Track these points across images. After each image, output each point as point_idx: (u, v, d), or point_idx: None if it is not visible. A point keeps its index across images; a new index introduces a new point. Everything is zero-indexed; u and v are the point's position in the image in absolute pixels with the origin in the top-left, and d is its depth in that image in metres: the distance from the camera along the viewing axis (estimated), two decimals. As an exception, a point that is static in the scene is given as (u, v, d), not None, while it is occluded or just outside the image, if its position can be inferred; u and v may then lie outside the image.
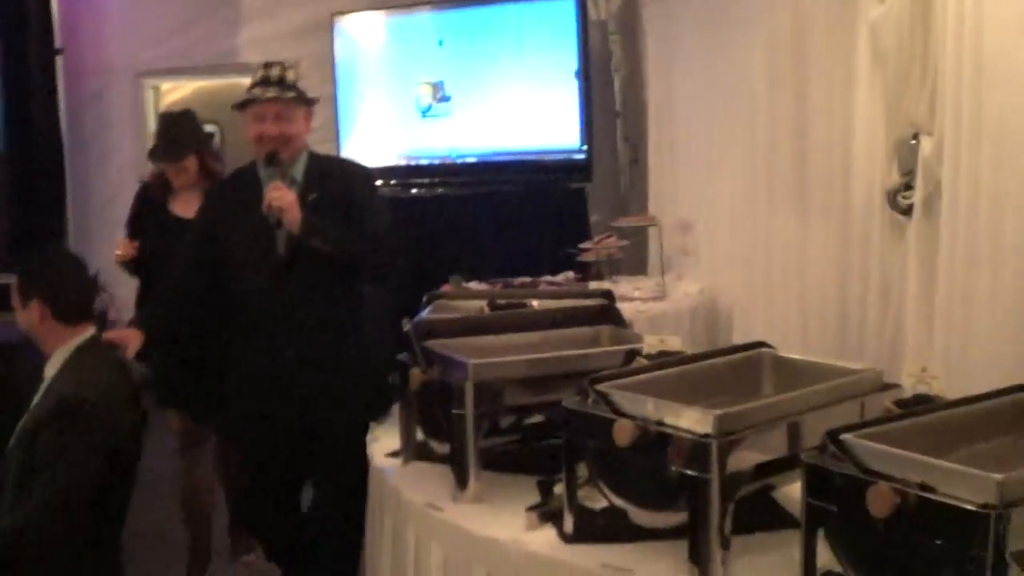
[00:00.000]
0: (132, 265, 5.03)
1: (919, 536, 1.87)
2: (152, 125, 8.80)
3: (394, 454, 3.39)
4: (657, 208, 7.47)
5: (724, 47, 6.22)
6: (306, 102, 4.29)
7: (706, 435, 2.27)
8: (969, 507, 1.81)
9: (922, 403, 2.35)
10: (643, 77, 7.92)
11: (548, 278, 6.59)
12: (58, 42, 9.12)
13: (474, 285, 6.11)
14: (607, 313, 3.46)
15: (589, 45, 8.02)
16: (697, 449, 2.27)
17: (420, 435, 3.31)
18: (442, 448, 3.14)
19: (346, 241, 4.05)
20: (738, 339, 5.65)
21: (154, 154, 5.18)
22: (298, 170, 4.20)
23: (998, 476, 1.81)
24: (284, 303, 4.11)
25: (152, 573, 5.10)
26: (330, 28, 9.02)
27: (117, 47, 9.38)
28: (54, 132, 8.99)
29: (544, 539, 2.64)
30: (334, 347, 4.17)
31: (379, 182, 8.50)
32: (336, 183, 4.20)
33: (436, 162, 8.67)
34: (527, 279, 6.33)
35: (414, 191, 8.72)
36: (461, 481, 2.95)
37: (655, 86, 7.59)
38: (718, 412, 2.29)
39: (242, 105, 4.21)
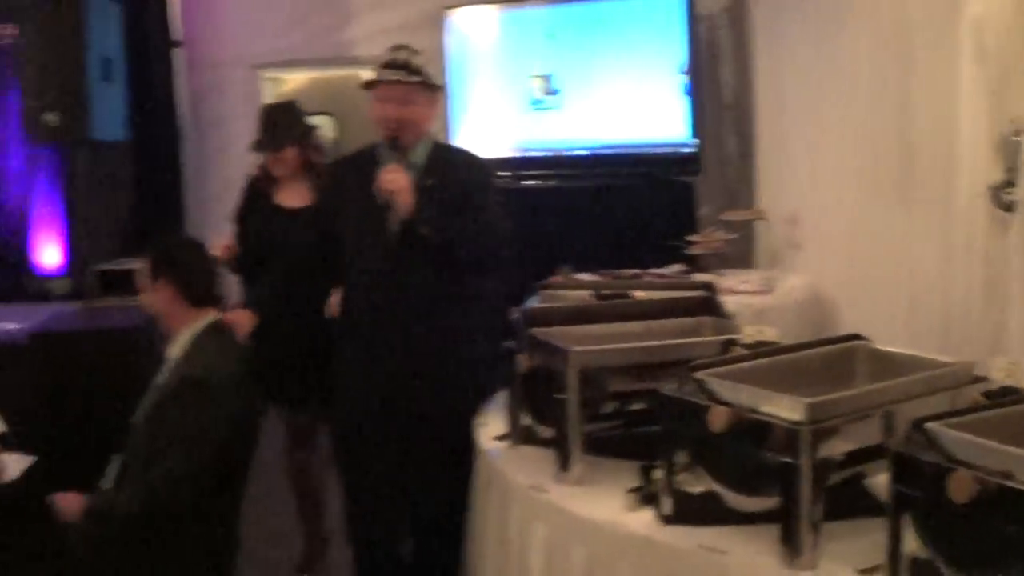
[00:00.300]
0: (232, 264, 5.03)
1: (998, 522, 1.96)
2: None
3: (501, 437, 3.53)
4: (765, 202, 7.51)
5: (831, 41, 6.25)
6: (430, 88, 4.23)
7: (797, 422, 2.37)
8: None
9: (1009, 395, 2.42)
10: (753, 71, 7.96)
11: (655, 270, 6.66)
12: (177, 35, 9.42)
13: (582, 276, 6.18)
14: (708, 304, 3.55)
15: (697, 38, 8.08)
16: (789, 436, 2.37)
17: (526, 420, 3.43)
18: (547, 432, 3.26)
19: (456, 231, 4.03)
20: (843, 333, 5.69)
21: (256, 145, 5.23)
22: (419, 155, 4.18)
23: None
24: (392, 287, 4.09)
25: (267, 557, 5.28)
26: (441, 22, 9.18)
27: (234, 40, 9.62)
28: (173, 123, 9.28)
29: (643, 520, 2.76)
30: (440, 335, 4.13)
31: (499, 173, 8.70)
32: (455, 172, 4.19)
33: (546, 154, 8.79)
34: (634, 271, 6.38)
35: (525, 183, 8.84)
36: (564, 464, 3.07)
37: (763, 80, 7.63)
38: (809, 400, 2.38)
39: (368, 85, 4.23)
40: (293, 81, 10.05)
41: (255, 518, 4.99)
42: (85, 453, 3.93)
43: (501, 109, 8.88)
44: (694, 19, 7.99)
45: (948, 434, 2.10)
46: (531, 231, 8.11)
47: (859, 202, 5.95)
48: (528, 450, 3.38)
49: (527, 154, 8.81)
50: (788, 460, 2.38)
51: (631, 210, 8.15)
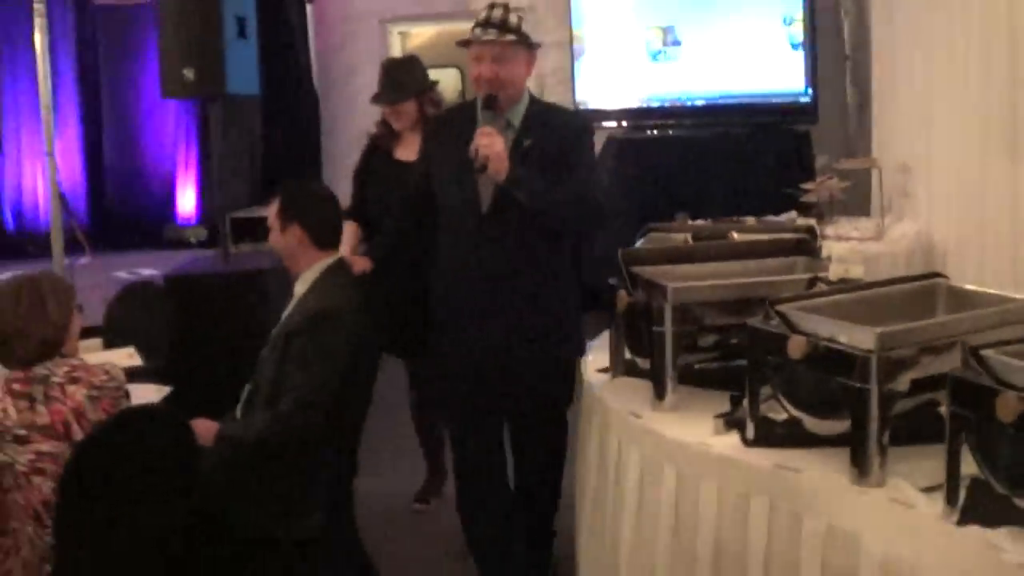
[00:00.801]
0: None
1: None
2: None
3: (603, 370, 3.76)
4: (880, 151, 7.58)
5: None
6: (527, 46, 4.06)
7: (868, 350, 2.56)
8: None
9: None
10: (870, 21, 8.03)
11: (771, 217, 6.80)
12: (309, -12, 9.79)
13: (697, 223, 6.32)
14: (802, 246, 3.73)
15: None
16: (859, 363, 2.57)
17: (626, 353, 3.66)
18: (645, 364, 3.48)
19: (550, 195, 3.93)
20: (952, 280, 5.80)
21: (376, 98, 5.33)
22: (516, 115, 4.07)
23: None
24: (484, 250, 4.02)
25: (389, 488, 5.58)
26: (565, -27, 9.36)
27: (365, -7, 9.95)
28: (306, 78, 9.64)
29: (728, 443, 2.98)
30: (532, 297, 4.06)
31: (612, 123, 8.90)
32: (552, 132, 4.05)
33: (666, 104, 8.95)
34: (749, 218, 6.50)
35: (646, 132, 9.03)
36: (659, 393, 3.30)
37: (879, 30, 7.69)
38: (880, 330, 2.57)
39: (463, 43, 4.13)
40: (419, 35, 10.33)
41: (380, 450, 5.30)
42: (217, 385, 4.23)
43: (623, 60, 9.05)
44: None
45: (999, 359, 2.27)
46: (651, 179, 8.37)
47: (969, 154, 6.03)
48: (628, 381, 3.61)
49: (647, 104, 8.98)
50: (859, 386, 2.57)
51: (748, 159, 8.32)
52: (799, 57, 8.21)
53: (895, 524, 2.51)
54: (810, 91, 8.17)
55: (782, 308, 2.84)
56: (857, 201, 7.49)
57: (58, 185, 6.22)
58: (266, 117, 9.51)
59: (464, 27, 9.81)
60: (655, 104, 9.00)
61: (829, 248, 6.07)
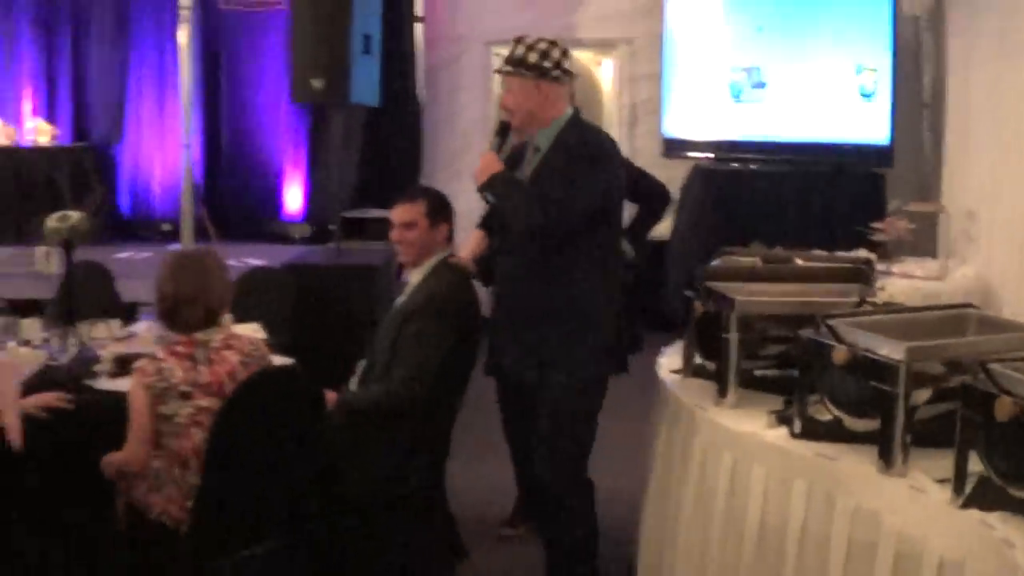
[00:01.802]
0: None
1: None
2: (497, 89, 9.90)
3: (676, 371, 4.30)
4: (949, 197, 8.05)
5: (1016, 45, 6.75)
6: (537, 77, 4.36)
7: (898, 360, 3.07)
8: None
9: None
10: (946, 71, 8.48)
11: (841, 253, 7.26)
12: (419, 11, 10.39)
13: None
14: (858, 274, 4.24)
15: (901, 38, 8.66)
16: (889, 371, 3.08)
17: (697, 357, 4.19)
18: (712, 366, 4.02)
19: (508, 197, 4.33)
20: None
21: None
22: (546, 137, 4.42)
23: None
24: (502, 263, 4.59)
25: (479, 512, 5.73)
26: (661, 10, 9.92)
27: (470, 18, 10.53)
28: (412, 91, 10.27)
29: (777, 435, 3.50)
30: (542, 307, 4.39)
31: (696, 154, 9.44)
32: (565, 153, 4.34)
33: (747, 140, 9.47)
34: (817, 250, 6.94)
35: (729, 165, 9.56)
36: (722, 391, 3.83)
37: (953, 81, 8.15)
38: (910, 344, 3.08)
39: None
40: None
41: (473, 472, 5.61)
42: (331, 361, 4.80)
43: (709, 95, 9.59)
44: (898, 20, 8.56)
45: (1001, 370, 2.78)
46: (732, 209, 8.90)
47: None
48: (696, 381, 4.14)
49: (731, 139, 9.52)
50: (888, 390, 3.09)
51: (825, 197, 8.82)
52: (875, 104, 8.68)
53: (911, 507, 3.01)
54: (888, 136, 8.64)
55: (831, 322, 3.36)
56: (927, 243, 7.94)
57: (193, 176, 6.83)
58: (376, 126, 10.13)
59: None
60: (736, 139, 9.54)
61: (893, 284, 6.57)
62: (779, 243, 7.22)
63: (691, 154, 9.74)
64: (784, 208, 8.86)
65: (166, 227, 11.13)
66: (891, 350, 3.11)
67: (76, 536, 4.09)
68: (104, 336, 4.79)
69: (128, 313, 5.59)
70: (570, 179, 4.26)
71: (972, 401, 2.84)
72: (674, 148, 9.93)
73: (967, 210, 7.52)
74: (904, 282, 6.85)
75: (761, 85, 9.26)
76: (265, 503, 3.85)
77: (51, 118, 11.61)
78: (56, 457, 3.98)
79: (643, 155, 10.20)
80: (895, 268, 7.21)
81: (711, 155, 9.62)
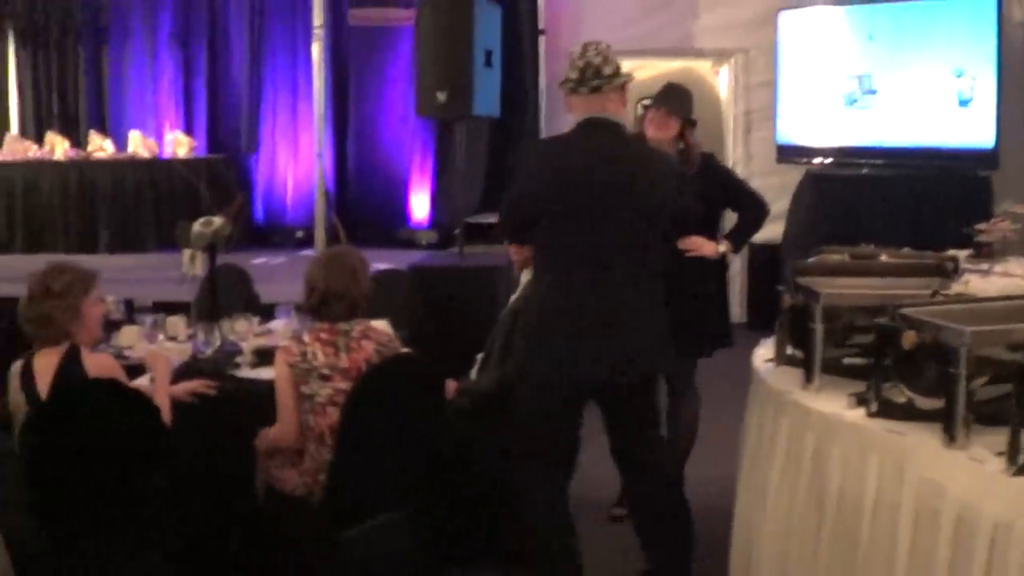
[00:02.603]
0: None
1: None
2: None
3: (769, 360, 4.63)
4: (1054, 198, 8.22)
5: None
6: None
7: (961, 343, 3.38)
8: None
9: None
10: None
11: (931, 252, 7.47)
12: (541, 24, 10.81)
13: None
14: (939, 269, 4.52)
15: (1006, 43, 8.85)
16: (952, 353, 3.39)
17: (788, 347, 4.52)
18: (801, 355, 4.34)
19: None
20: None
21: (658, 101, 5.63)
22: None
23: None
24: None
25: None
26: (775, 21, 10.21)
27: (591, 29, 10.83)
28: (534, 103, 10.70)
29: (856, 415, 3.81)
30: None
31: (809, 160, 9.72)
32: None
33: (860, 146, 9.73)
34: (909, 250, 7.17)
35: (840, 170, 9.83)
36: (808, 377, 4.15)
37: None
38: (972, 328, 3.39)
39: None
40: (643, 69, 11.21)
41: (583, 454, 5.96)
42: (453, 354, 5.23)
43: (821, 102, 9.87)
44: (1002, 24, 8.77)
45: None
46: (842, 212, 9.17)
47: None
48: (787, 369, 4.46)
49: (840, 145, 9.79)
50: (952, 371, 3.40)
51: (932, 200, 9.04)
52: (976, 109, 8.89)
53: (970, 476, 3.31)
54: (994, 139, 8.83)
55: (904, 310, 3.67)
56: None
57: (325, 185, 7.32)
58: (499, 136, 10.58)
59: (686, 64, 10.80)
60: (849, 145, 9.81)
61: (992, 283, 6.79)
62: (886, 245, 7.50)
63: (803, 159, 10.02)
64: (893, 211, 9.10)
65: (299, 234, 11.75)
66: (955, 335, 3.42)
67: (218, 509, 4.56)
68: (244, 331, 5.26)
69: (266, 312, 6.07)
70: None
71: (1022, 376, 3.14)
72: (787, 154, 10.22)
73: (1073, 212, 7.69)
74: (1003, 280, 7.04)
75: (872, 92, 9.50)
76: (390, 478, 4.28)
77: (189, 130, 12.32)
78: (202, 437, 4.46)
79: (758, 160, 10.55)
80: (997, 268, 7.39)
81: (823, 160, 9.89)
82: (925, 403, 3.65)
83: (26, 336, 4.19)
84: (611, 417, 4.72)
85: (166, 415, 4.21)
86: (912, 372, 3.65)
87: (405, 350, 4.81)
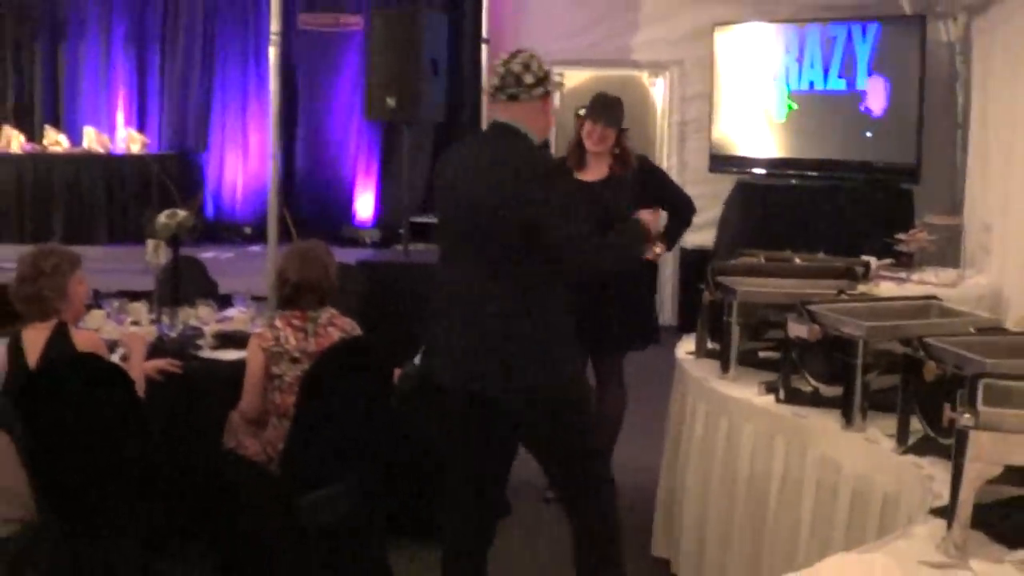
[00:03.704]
0: None
1: (942, 397, 3.35)
2: (555, 104, 10.62)
3: (691, 352, 5.03)
4: (969, 211, 8.70)
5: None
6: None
7: (858, 337, 3.79)
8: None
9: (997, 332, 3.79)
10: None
11: (866, 258, 7.91)
12: (485, 33, 11.19)
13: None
14: (847, 273, 4.94)
15: (933, 64, 9.35)
16: (850, 346, 3.80)
17: (707, 340, 4.93)
18: (717, 347, 4.75)
19: None
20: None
21: (593, 115, 5.83)
22: None
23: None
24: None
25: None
26: (711, 36, 10.65)
27: (532, 39, 11.20)
28: (474, 108, 11.08)
29: (766, 401, 4.23)
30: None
31: (739, 170, 10.18)
32: None
33: (790, 157, 10.20)
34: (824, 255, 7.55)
35: (769, 180, 10.29)
36: (724, 367, 4.57)
37: (976, 102, 8.82)
38: (868, 324, 3.80)
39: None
40: (577, 78, 11.60)
41: None
42: (397, 344, 5.56)
43: (755, 115, 10.33)
44: (924, 47, 9.26)
45: (931, 343, 3.48)
46: (770, 220, 9.62)
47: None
48: (707, 361, 4.87)
49: (770, 156, 10.27)
50: (851, 361, 3.81)
51: (856, 210, 9.51)
52: (905, 123, 9.39)
53: (864, 455, 3.72)
54: (915, 154, 9.32)
55: (810, 307, 4.08)
56: (947, 254, 8.58)
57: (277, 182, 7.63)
58: (439, 139, 10.94)
59: (617, 75, 11.19)
60: (779, 156, 10.29)
61: (908, 290, 7.23)
62: (810, 252, 7.93)
63: (735, 169, 10.48)
64: (819, 220, 9.54)
65: (247, 230, 12.04)
66: (853, 328, 3.83)
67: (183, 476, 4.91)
68: (206, 316, 5.60)
69: (222, 301, 6.39)
70: None
71: (909, 367, 3.55)
72: (720, 164, 10.67)
73: (984, 224, 8.16)
74: (920, 288, 7.49)
75: (800, 106, 9.99)
76: (341, 450, 4.64)
77: (141, 128, 12.58)
78: (170, 411, 4.82)
79: (691, 169, 10.97)
80: (914, 276, 7.84)
81: (754, 170, 10.35)
82: (827, 391, 4.07)
83: (17, 313, 4.50)
84: (527, 445, 4.36)
85: (140, 389, 4.55)
86: (816, 363, 4.07)
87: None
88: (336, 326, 4.78)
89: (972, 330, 3.81)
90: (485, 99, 11.17)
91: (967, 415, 2.76)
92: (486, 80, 4.63)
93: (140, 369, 4.68)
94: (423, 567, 5.09)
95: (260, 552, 4.68)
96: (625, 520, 4.80)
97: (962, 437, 2.75)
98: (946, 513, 2.84)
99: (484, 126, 11.06)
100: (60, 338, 4.38)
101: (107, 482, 4.21)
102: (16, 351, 4.41)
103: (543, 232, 3.98)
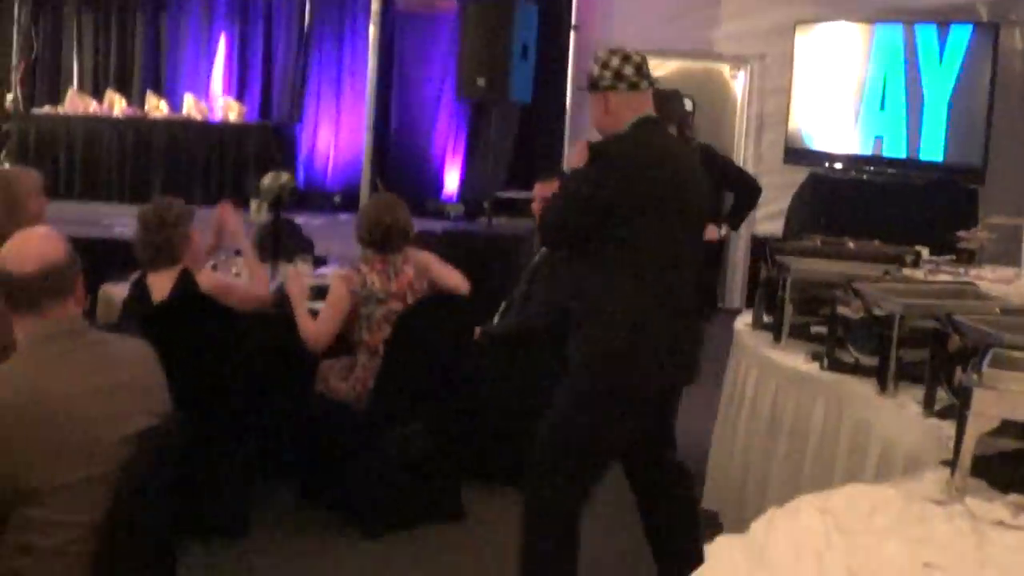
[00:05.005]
0: None
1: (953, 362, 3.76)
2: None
3: (748, 324, 5.46)
4: (1032, 211, 9.03)
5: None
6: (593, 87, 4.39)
7: (895, 312, 4.20)
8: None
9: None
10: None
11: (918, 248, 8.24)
12: (574, 20, 11.64)
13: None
14: (898, 258, 5.35)
15: (1000, 68, 9.67)
16: (887, 320, 4.22)
17: (764, 313, 5.35)
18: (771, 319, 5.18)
19: None
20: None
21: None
22: None
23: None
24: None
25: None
26: (792, 32, 11.01)
27: (620, 28, 11.64)
28: (562, 92, 11.54)
29: (811, 368, 4.65)
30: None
31: (815, 163, 10.55)
32: None
33: (864, 155, 10.56)
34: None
35: (842, 174, 10.65)
36: (777, 338, 4.99)
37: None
38: (904, 301, 4.21)
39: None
40: (662, 67, 12.01)
41: None
42: (479, 308, 6.05)
43: (832, 112, 10.70)
44: (998, 56, 9.59)
45: (960, 319, 3.89)
46: (841, 214, 9.98)
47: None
48: (761, 332, 5.30)
49: (848, 152, 10.64)
50: (887, 334, 4.22)
51: (922, 207, 9.86)
52: (973, 126, 9.72)
53: (894, 418, 4.14)
54: (981, 155, 9.66)
55: (856, 285, 4.50)
56: (1012, 252, 8.89)
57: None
58: (525, 120, 11.41)
59: (700, 66, 11.60)
60: (857, 152, 10.64)
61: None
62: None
63: (809, 163, 10.85)
64: (884, 214, 9.90)
65: (336, 199, 12.60)
66: (891, 305, 4.25)
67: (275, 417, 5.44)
68: (306, 270, 6.13)
69: (317, 262, 6.91)
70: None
71: (937, 340, 3.96)
72: (795, 157, 11.04)
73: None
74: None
75: (879, 106, 10.35)
76: (424, 392, 5.15)
77: (240, 97, 13.19)
78: (272, 354, 5.36)
79: (767, 161, 11.36)
80: (972, 272, 8.17)
81: (825, 164, 10.72)
82: (867, 361, 4.48)
83: (142, 262, 5.01)
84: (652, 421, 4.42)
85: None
86: (858, 335, 4.49)
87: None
88: (410, 263, 5.32)
89: (997, 310, 4.21)
90: (575, 85, 11.67)
91: (974, 375, 3.18)
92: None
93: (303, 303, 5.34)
94: (489, 508, 5.57)
95: (343, 482, 5.21)
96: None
97: (966, 394, 3.18)
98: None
99: (570, 109, 11.61)
100: (186, 281, 4.90)
101: (214, 406, 4.74)
102: (142, 292, 4.93)
103: None
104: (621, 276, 4.14)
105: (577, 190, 4.20)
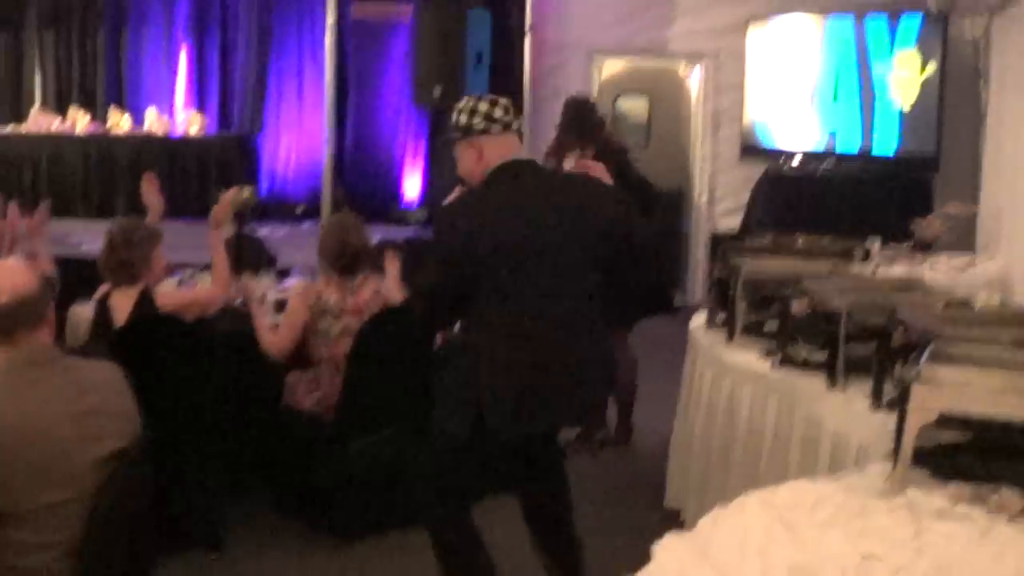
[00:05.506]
0: None
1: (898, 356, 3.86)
2: (595, 93, 11.17)
3: (701, 324, 5.57)
4: (985, 200, 9.16)
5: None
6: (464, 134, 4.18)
7: (840, 308, 4.31)
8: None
9: (962, 306, 4.30)
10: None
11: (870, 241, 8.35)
12: (529, 23, 11.70)
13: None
14: (847, 253, 5.46)
15: (957, 59, 9.82)
16: (834, 317, 4.32)
17: (717, 311, 5.46)
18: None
19: None
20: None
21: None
22: None
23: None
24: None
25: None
26: (745, 28, 11.13)
27: (574, 29, 11.73)
28: (519, 97, 11.60)
29: (763, 366, 4.75)
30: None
31: (768, 159, 10.67)
32: None
33: (818, 151, 10.69)
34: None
35: (796, 170, 10.79)
36: (730, 335, 5.10)
37: (993, 96, 9.28)
38: (851, 297, 4.32)
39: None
40: (615, 67, 12.10)
41: None
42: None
43: (785, 105, 10.83)
44: (946, 44, 9.74)
45: (907, 313, 3.99)
46: (795, 209, 10.12)
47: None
48: (715, 331, 5.40)
49: (802, 147, 10.77)
50: (834, 331, 4.33)
51: (877, 198, 10.01)
52: (926, 117, 9.87)
53: (843, 412, 4.24)
54: (934, 147, 9.82)
55: (802, 283, 4.60)
56: (963, 240, 9.03)
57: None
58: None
59: (653, 64, 11.67)
60: (809, 148, 10.77)
61: (923, 275, 7.71)
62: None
63: (765, 159, 10.97)
64: (840, 207, 10.04)
65: (299, 209, 12.65)
66: (838, 302, 4.35)
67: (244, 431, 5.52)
68: (268, 284, 6.20)
69: (280, 275, 6.98)
70: None
71: (882, 335, 4.07)
72: (750, 153, 11.16)
73: (996, 212, 8.63)
74: (931, 274, 7.95)
75: (830, 99, 10.49)
76: (388, 400, 5.23)
77: (201, 108, 13.24)
78: (236, 367, 5.44)
79: (723, 157, 11.49)
80: (928, 261, 8.31)
81: (780, 159, 10.84)
82: (817, 357, 4.59)
83: (105, 279, 5.10)
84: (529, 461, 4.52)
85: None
86: (807, 331, 4.60)
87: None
88: (367, 286, 5.41)
89: (940, 305, 4.32)
90: (545, 84, 11.71)
91: (912, 371, 3.29)
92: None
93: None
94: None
95: (315, 492, 5.29)
96: (643, 475, 5.37)
97: (905, 388, 3.28)
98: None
99: (527, 112, 11.67)
100: (146, 301, 4.98)
101: (183, 424, 4.82)
102: (104, 312, 5.01)
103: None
104: (477, 327, 4.12)
105: (427, 279, 4.22)
